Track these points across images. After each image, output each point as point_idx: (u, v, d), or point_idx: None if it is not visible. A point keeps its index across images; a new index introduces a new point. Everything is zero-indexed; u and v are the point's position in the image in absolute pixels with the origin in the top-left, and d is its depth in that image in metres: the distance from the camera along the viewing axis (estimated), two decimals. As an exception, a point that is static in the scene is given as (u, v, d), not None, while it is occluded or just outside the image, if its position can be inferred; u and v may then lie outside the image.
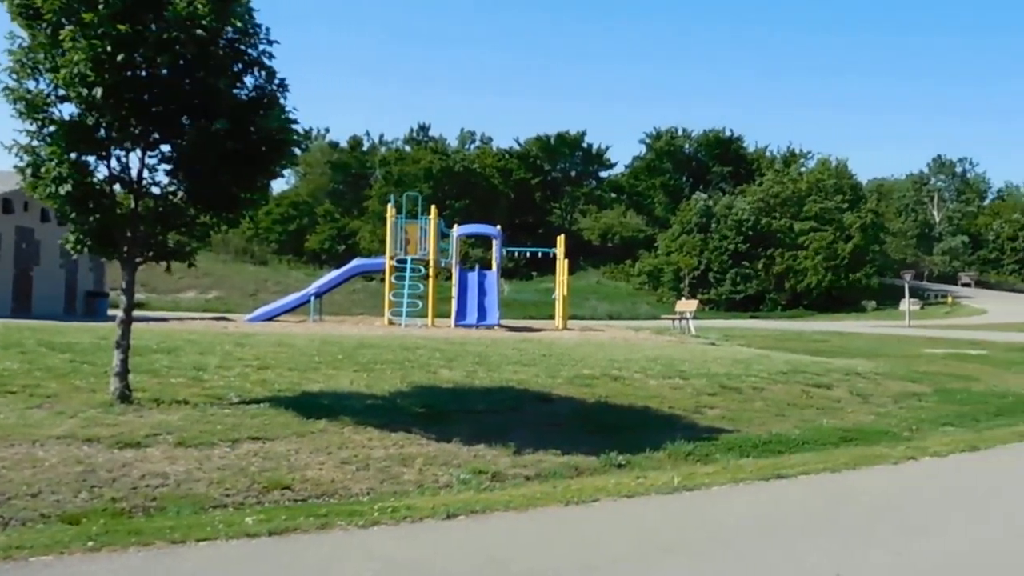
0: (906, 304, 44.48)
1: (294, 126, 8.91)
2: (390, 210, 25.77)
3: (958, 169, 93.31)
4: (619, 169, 79.15)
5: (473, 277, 26.14)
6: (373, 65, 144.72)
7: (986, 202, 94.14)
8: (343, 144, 75.69)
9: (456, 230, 27.13)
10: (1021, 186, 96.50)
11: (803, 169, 67.65)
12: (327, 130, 78.47)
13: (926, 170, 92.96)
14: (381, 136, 78.97)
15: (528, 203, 69.38)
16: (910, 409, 12.64)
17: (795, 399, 12.29)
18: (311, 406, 8.84)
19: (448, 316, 24.76)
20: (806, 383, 13.51)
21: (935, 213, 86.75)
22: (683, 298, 41.84)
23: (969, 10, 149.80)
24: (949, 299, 60.70)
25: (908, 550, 5.61)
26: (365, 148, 76.32)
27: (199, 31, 7.88)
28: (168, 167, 8.69)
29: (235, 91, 8.55)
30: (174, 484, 6.47)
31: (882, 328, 36.80)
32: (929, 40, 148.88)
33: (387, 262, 25.47)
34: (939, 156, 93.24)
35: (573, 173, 77.91)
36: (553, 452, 8.15)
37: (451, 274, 26.33)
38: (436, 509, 6.12)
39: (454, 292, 25.16)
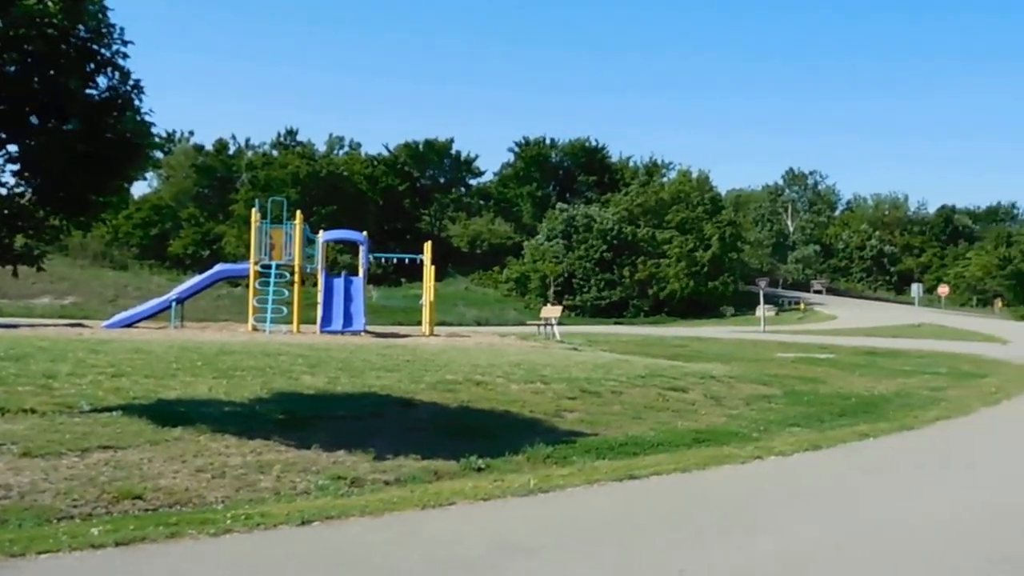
0: (761, 310, 46.63)
1: (151, 129, 8.62)
2: (255, 215, 25.09)
3: (810, 181, 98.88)
4: (488, 177, 79.98)
5: (339, 283, 25.79)
6: (241, 68, 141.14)
7: (836, 213, 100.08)
8: (208, 147, 73.17)
9: (322, 236, 26.70)
10: (868, 198, 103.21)
11: (665, 180, 70.18)
12: (191, 133, 75.63)
13: (781, 182, 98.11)
14: (248, 140, 76.87)
15: (397, 209, 69.06)
16: (760, 411, 13.13)
17: (652, 402, 12.64)
18: (167, 414, 8.58)
19: (314, 322, 24.35)
20: (663, 386, 13.89)
21: (789, 223, 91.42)
22: (549, 304, 42.51)
23: (817, 35, 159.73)
24: (802, 305, 63.91)
25: (750, 546, 5.84)
26: (231, 152, 74.00)
27: (49, 29, 7.52)
28: (15, 167, 8.24)
29: (87, 92, 8.18)
30: (17, 496, 6.21)
31: (739, 333, 38.26)
32: (782, 60, 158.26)
33: (251, 267, 24.83)
34: (792, 169, 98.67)
35: (442, 180, 78.07)
36: (414, 457, 8.16)
37: (317, 280, 25.91)
38: (291, 516, 6.05)
39: (320, 298, 24.77)
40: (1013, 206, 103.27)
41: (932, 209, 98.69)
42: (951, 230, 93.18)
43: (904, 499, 7.58)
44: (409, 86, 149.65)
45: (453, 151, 77.04)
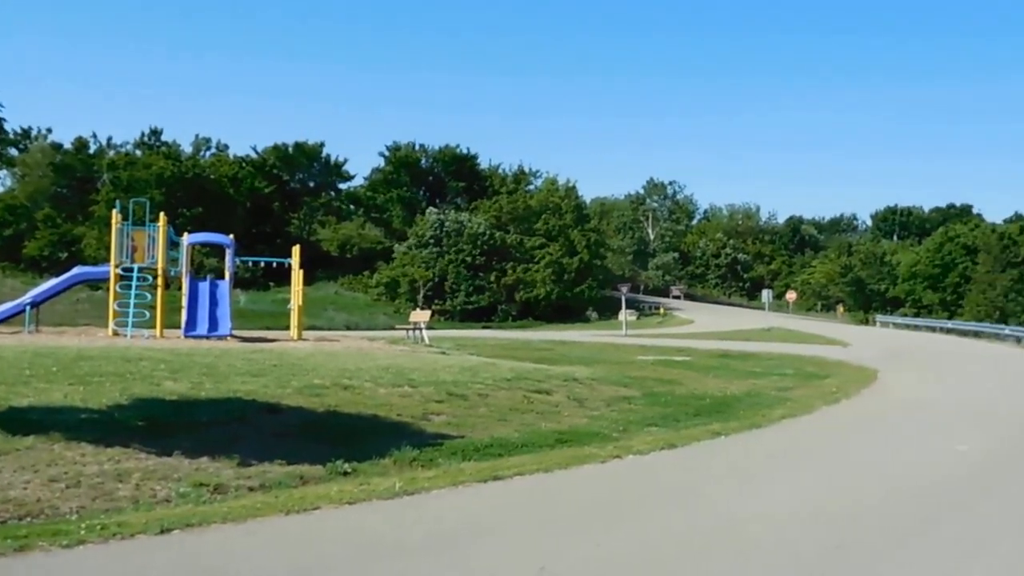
0: (623, 315, 48.02)
1: (2, 125, 8.16)
2: (116, 216, 23.99)
3: (669, 191, 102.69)
4: (358, 181, 79.00)
5: (204, 287, 24.94)
6: (102, 66, 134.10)
7: (694, 222, 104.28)
8: (67, 146, 68.98)
9: (187, 238, 25.75)
10: (723, 208, 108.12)
11: (532, 188, 71.41)
12: (49, 130, 70.93)
13: (642, 192, 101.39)
14: (109, 139, 72.79)
15: (265, 213, 67.22)
16: (620, 412, 13.54)
17: (517, 404, 12.87)
18: (18, 422, 8.18)
19: (178, 327, 23.47)
20: (528, 389, 14.16)
21: (650, 231, 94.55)
22: (418, 309, 42.49)
23: (676, 52, 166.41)
24: (661, 310, 66.12)
25: (607, 542, 6.08)
26: (92, 151, 70.00)
27: None
28: None
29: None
30: None
31: (602, 337, 39.13)
32: (643, 75, 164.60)
33: (112, 270, 23.73)
34: (653, 179, 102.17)
35: (312, 184, 76.52)
36: (279, 462, 8.08)
37: (182, 283, 24.98)
38: (149, 525, 5.90)
39: (184, 302, 23.90)
40: (854, 217, 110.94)
41: (781, 220, 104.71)
42: (798, 239, 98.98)
43: (753, 494, 8.05)
44: (279, 88, 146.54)
45: (323, 155, 75.68)
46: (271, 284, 53.64)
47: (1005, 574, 5.81)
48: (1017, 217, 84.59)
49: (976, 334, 43.25)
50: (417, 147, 73.80)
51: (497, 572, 5.37)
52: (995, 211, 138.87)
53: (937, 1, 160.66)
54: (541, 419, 12.15)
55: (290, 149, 73.47)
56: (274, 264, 28.70)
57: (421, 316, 30.83)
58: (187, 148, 74.01)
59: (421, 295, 56.05)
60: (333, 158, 76.33)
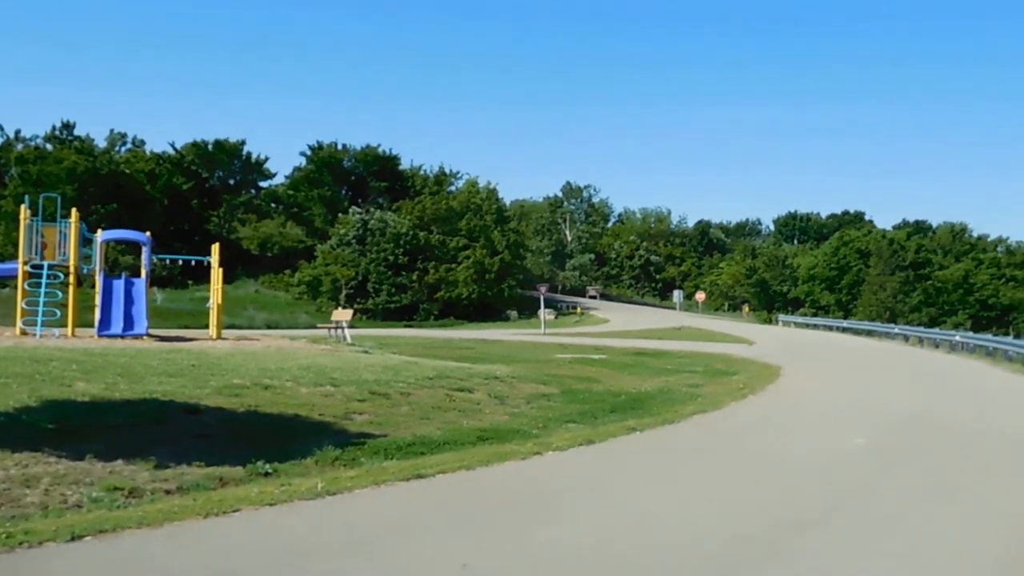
0: (542, 314, 48.49)
1: None
2: (24, 211, 22.99)
3: (585, 195, 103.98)
4: (279, 180, 77.59)
5: (119, 285, 24.09)
6: (10, 57, 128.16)
7: (609, 225, 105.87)
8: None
9: (100, 235, 24.85)
10: (637, 212, 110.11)
11: (453, 189, 71.46)
12: (-48, 123, 67.45)
13: (560, 195, 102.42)
14: (18, 132, 69.69)
15: (184, 210, 65.37)
16: (540, 409, 13.74)
17: (439, 403, 12.95)
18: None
19: (92, 326, 22.65)
20: (450, 387, 14.26)
21: (567, 233, 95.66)
22: (340, 308, 42.06)
23: (590, 58, 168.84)
24: (578, 310, 66.92)
25: (530, 538, 6.18)
26: (-1, 143, 66.90)
27: None
28: None
29: None
30: None
31: (521, 336, 39.47)
32: (561, 79, 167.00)
33: (20, 267, 22.72)
34: (570, 183, 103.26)
35: (232, 181, 74.80)
36: (197, 464, 7.95)
37: (95, 281, 24.08)
38: (59, 531, 5.70)
39: (97, 300, 23.06)
40: (758, 222, 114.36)
41: (691, 223, 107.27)
42: (707, 242, 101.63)
43: (668, 487, 8.33)
44: (198, 85, 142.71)
45: (244, 152, 73.98)
46: (189, 282, 52.34)
47: (903, 557, 6.18)
48: (905, 224, 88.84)
49: (869, 333, 45.12)
50: (340, 147, 72.87)
51: (420, 571, 5.40)
52: (885, 218, 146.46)
53: (830, 23, 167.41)
54: (463, 417, 12.25)
55: (210, 146, 71.73)
56: (192, 262, 27.98)
57: (343, 315, 30.55)
58: (101, 143, 71.50)
59: (343, 294, 55.46)
60: (254, 156, 74.84)
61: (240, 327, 36.23)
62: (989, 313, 63.55)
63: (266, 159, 75.60)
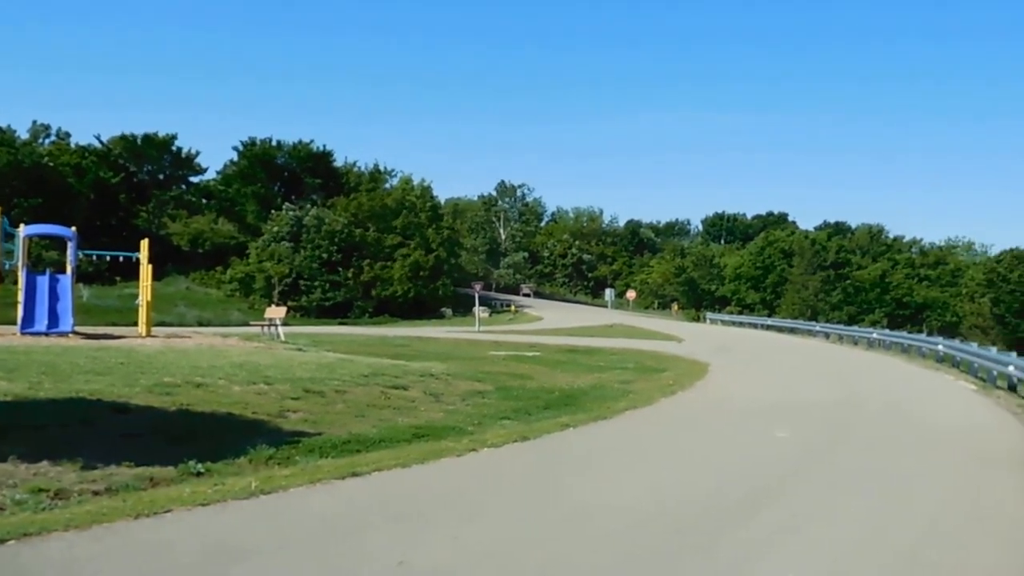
0: (477, 311, 48.63)
1: None
2: (-61, 205, 22.08)
3: (519, 194, 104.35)
4: (210, 175, 75.83)
5: (43, 281, 23.33)
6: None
7: (542, 223, 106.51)
8: None
9: (23, 230, 24.01)
10: (569, 211, 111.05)
11: (388, 186, 70.96)
12: None
13: (494, 193, 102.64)
14: (-69, 122, 66.52)
15: (111, 205, 63.44)
16: (475, 406, 13.85)
17: (375, 400, 12.94)
18: None
19: (15, 323, 21.89)
20: (385, 385, 14.25)
21: (501, 232, 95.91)
22: (273, 305, 41.50)
23: (521, 60, 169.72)
24: (512, 307, 67.16)
25: (465, 534, 6.28)
26: (-91, 135, 63.66)
27: None
28: None
29: None
30: None
31: (456, 333, 39.53)
32: (491, 81, 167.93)
33: (-64, 263, 21.81)
34: (503, 182, 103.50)
35: (162, 176, 72.79)
36: (127, 464, 7.79)
37: (18, 277, 23.24)
38: (-18, 535, 5.52)
39: (20, 297, 22.30)
40: (687, 222, 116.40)
41: (622, 223, 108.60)
42: (637, 242, 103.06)
43: (600, 482, 8.50)
44: (125, 77, 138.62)
45: (174, 147, 72.05)
46: (117, 279, 50.99)
47: (824, 544, 6.47)
48: (826, 225, 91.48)
49: (792, 330, 46.44)
50: (273, 143, 71.57)
51: (357, 569, 5.44)
52: (807, 219, 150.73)
53: (755, 35, 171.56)
54: (398, 414, 12.27)
55: (139, 140, 69.59)
56: (120, 258, 27.24)
57: (276, 312, 30.20)
58: (23, 135, 68.86)
59: (276, 291, 54.67)
60: (185, 150, 72.97)
61: (170, 324, 35.53)
62: (904, 311, 65.98)
63: (197, 154, 73.90)
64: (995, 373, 19.03)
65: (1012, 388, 17.52)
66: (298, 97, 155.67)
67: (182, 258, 62.55)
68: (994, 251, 77.20)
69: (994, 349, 22.23)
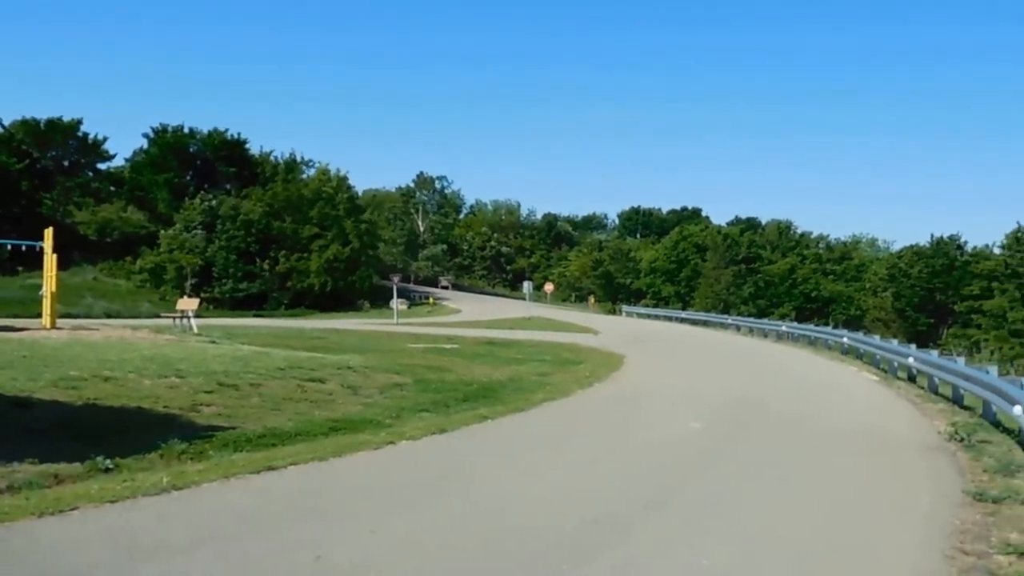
0: (395, 304, 48.31)
1: None
2: None
3: (438, 186, 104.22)
4: (119, 162, 73.03)
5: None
6: None
7: (461, 216, 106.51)
8: None
9: (-84, 218, 22.86)
10: (488, 204, 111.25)
11: (305, 177, 69.78)
12: None
13: (412, 185, 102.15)
14: None
15: (13, 192, 60.49)
16: (393, 398, 13.83)
17: (291, 393, 12.81)
18: None
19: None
20: (302, 378, 14.10)
21: (420, 224, 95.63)
22: (185, 296, 40.46)
23: (438, 51, 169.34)
24: (431, 300, 66.92)
25: (383, 527, 6.28)
26: None
27: None
28: None
29: None
30: None
31: (374, 326, 39.16)
32: (410, 71, 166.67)
33: None
34: (422, 173, 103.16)
35: (67, 163, 69.78)
36: (30, 461, 7.56)
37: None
38: None
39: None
40: (604, 216, 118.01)
41: (540, 216, 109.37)
42: (555, 235, 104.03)
43: (519, 474, 8.63)
44: (27, 58, 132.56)
45: (81, 132, 69.12)
46: (20, 269, 48.89)
47: (737, 528, 6.72)
48: (738, 220, 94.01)
49: (705, 323, 47.57)
50: (186, 130, 69.43)
51: (272, 565, 5.40)
52: (720, 214, 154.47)
53: (678, 23, 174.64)
54: (315, 408, 12.19)
55: (42, 125, 66.52)
56: (23, 247, 26.13)
57: (189, 304, 29.48)
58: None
59: (189, 282, 53.29)
60: (92, 136, 70.11)
61: (77, 316, 34.32)
62: (811, 305, 68.27)
63: (105, 139, 71.00)
64: (896, 364, 19.85)
65: (911, 379, 18.33)
66: (212, 84, 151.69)
67: (89, 247, 60.35)
68: (896, 247, 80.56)
69: (895, 341, 23.20)
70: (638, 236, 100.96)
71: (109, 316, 38.94)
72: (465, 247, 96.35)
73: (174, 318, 27.59)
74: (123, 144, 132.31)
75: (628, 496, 7.72)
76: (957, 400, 14.56)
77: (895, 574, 5.74)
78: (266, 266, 57.29)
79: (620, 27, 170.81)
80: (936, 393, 15.96)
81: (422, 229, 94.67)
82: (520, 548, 6.02)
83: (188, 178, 68.44)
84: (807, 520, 7.10)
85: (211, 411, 10.95)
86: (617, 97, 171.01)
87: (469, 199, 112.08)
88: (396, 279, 50.39)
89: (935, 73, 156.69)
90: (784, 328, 35.56)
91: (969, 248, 66.66)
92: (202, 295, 47.27)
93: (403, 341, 28.08)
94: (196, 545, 5.71)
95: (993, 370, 13.12)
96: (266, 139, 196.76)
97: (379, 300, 59.86)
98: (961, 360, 15.78)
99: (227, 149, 69.57)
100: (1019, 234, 61.21)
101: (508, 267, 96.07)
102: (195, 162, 69.91)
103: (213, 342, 20.85)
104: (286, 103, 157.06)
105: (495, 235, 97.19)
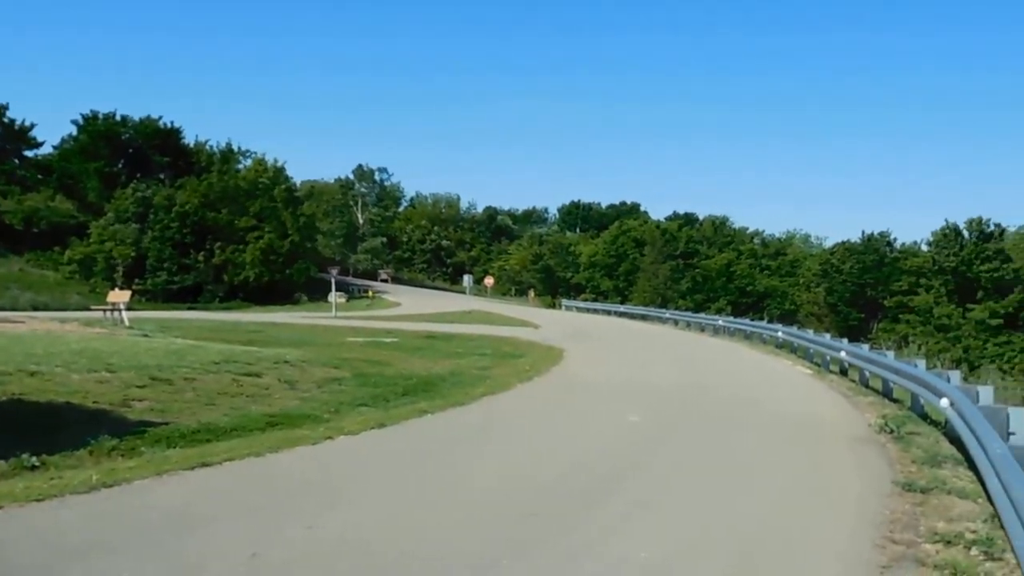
0: (333, 297, 47.85)
1: None
2: None
3: (377, 177, 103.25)
4: (47, 149, 70.67)
5: None
6: None
7: (400, 209, 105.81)
8: None
9: None
10: (428, 196, 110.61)
11: (241, 167, 68.51)
12: None
13: (352, 177, 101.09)
14: None
15: (-66, 180, 58.41)
16: (331, 393, 13.71)
17: (226, 388, 12.63)
18: None
19: None
20: (238, 372, 13.91)
21: (359, 216, 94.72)
22: (117, 288, 39.45)
23: (377, 44, 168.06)
24: (370, 293, 66.41)
25: (320, 524, 6.21)
26: None
27: None
28: None
29: None
30: None
31: (312, 319, 38.82)
32: (348, 64, 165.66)
33: None
34: (362, 165, 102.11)
35: (-9, 149, 67.41)
36: (-52, 460, 7.29)
37: None
38: None
39: None
40: (545, 210, 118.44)
41: (480, 209, 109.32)
42: (495, 228, 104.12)
43: (458, 468, 8.62)
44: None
45: (5, 118, 66.61)
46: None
47: (677, 520, 6.83)
48: (676, 215, 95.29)
49: (644, 317, 48.17)
50: (117, 118, 67.41)
51: (207, 563, 5.31)
52: (659, 209, 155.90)
53: (612, 24, 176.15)
54: (251, 402, 12.05)
55: (-37, 109, 64.12)
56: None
57: (120, 296, 28.81)
58: None
59: (120, 274, 51.95)
60: (18, 122, 67.62)
61: (2, 308, 33.56)
62: (747, 299, 69.75)
63: (32, 126, 68.73)
64: (828, 358, 20.35)
65: (843, 372, 18.82)
66: (145, 73, 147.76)
67: (15, 237, 58.49)
68: (828, 243, 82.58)
69: (828, 336, 23.75)
70: (578, 230, 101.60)
71: (36, 308, 37.86)
72: (405, 240, 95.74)
73: (105, 311, 26.91)
74: (51, 131, 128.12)
75: (567, 490, 7.77)
76: (887, 393, 15.00)
77: (828, 563, 5.88)
78: (201, 258, 56.27)
79: (557, 25, 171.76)
80: (867, 386, 16.41)
81: (361, 222, 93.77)
82: (459, 543, 6.01)
83: (120, 167, 66.61)
84: (742, 511, 7.24)
85: (143, 406, 10.72)
86: (556, 92, 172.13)
87: (409, 191, 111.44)
88: (335, 272, 49.87)
89: (863, 76, 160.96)
90: (721, 322, 36.16)
91: (898, 245, 68.88)
92: (134, 287, 46.29)
93: (342, 335, 27.88)
94: (127, 544, 5.58)
95: (921, 364, 13.56)
96: (202, 129, 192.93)
97: (317, 293, 59.23)
98: (891, 354, 16.27)
99: (161, 138, 67.86)
100: (946, 231, 63.52)
101: (448, 261, 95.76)
102: (127, 150, 68.05)
103: (146, 335, 20.44)
104: (222, 92, 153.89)
105: (435, 228, 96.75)
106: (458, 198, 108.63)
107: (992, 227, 62.84)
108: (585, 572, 5.51)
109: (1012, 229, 70.08)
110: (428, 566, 5.49)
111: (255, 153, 70.21)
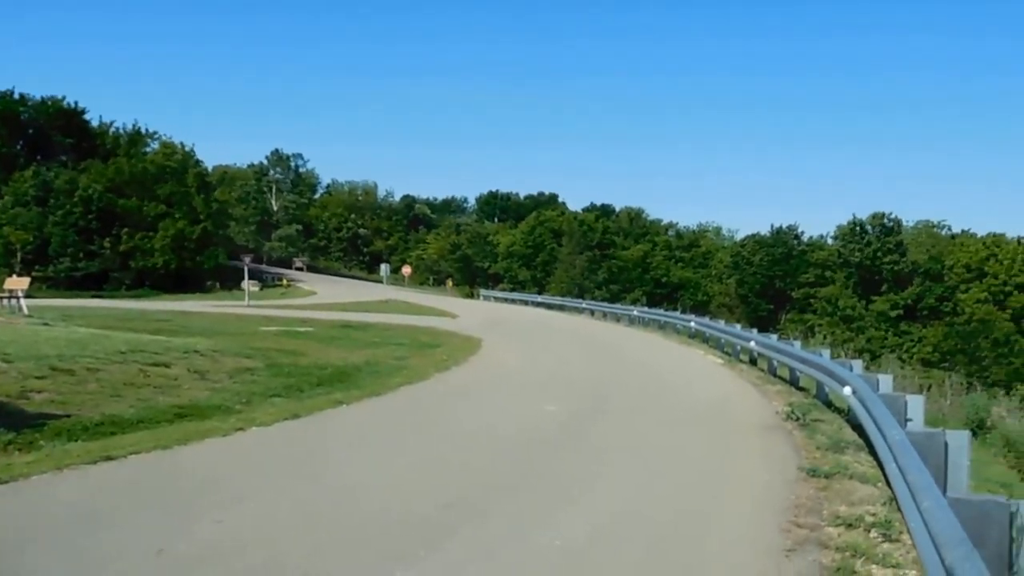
0: (246, 285, 46.83)
1: None
2: None
3: (292, 164, 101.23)
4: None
5: None
6: None
7: (316, 196, 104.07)
8: None
9: None
10: (344, 184, 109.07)
11: (149, 150, 66.26)
12: None
13: (266, 162, 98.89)
14: None
15: None
16: (243, 383, 13.40)
17: (132, 379, 12.25)
18: None
19: None
20: (145, 362, 13.50)
21: (273, 203, 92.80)
22: (15, 275, 37.73)
23: (303, 29, 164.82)
24: (284, 281, 65.39)
25: (230, 518, 6.10)
26: None
27: None
28: None
29: None
30: None
31: (224, 308, 37.95)
32: (266, 45, 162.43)
33: None
34: (277, 151, 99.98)
35: None
36: None
37: None
38: None
39: None
40: (464, 200, 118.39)
41: (398, 197, 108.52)
42: (413, 217, 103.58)
43: (374, 459, 8.57)
44: None
45: None
46: None
47: (593, 506, 6.92)
48: (593, 207, 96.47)
49: (561, 307, 48.61)
50: (16, 96, 64.23)
51: (111, 560, 5.16)
52: (576, 200, 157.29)
53: (539, 8, 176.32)
54: (159, 393, 11.72)
55: None
56: None
57: (18, 283, 27.58)
58: None
59: (19, 260, 49.71)
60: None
61: None
62: (662, 290, 71.12)
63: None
64: (739, 348, 20.92)
65: (753, 362, 19.37)
66: (46, 50, 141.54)
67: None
68: (739, 236, 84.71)
69: (738, 326, 24.41)
70: (496, 220, 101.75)
71: (-75, 296, 35.90)
72: (321, 228, 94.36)
73: (2, 299, 25.69)
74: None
75: (483, 479, 7.79)
76: (794, 382, 15.52)
77: (735, 547, 6.06)
78: (107, 244, 54.37)
79: (476, 4, 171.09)
80: (775, 375, 16.94)
81: (276, 208, 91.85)
82: (373, 535, 5.98)
83: (18, 148, 63.67)
84: (654, 497, 7.40)
85: (43, 398, 10.30)
86: (473, 77, 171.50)
87: (325, 179, 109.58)
88: (247, 259, 48.70)
89: (769, 78, 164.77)
90: (636, 313, 36.76)
91: (805, 238, 71.20)
92: (34, 274, 44.34)
93: (254, 324, 27.38)
94: (26, 542, 5.39)
95: (826, 353, 14.06)
96: (107, 110, 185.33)
97: (229, 281, 57.88)
98: (797, 344, 16.83)
99: (63, 118, 65.08)
100: (852, 226, 66.01)
101: (365, 249, 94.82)
102: (26, 131, 65.12)
103: (46, 324, 19.66)
104: (130, 74, 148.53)
105: (352, 216, 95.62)
106: (375, 186, 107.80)
107: (891, 222, 65.53)
108: (502, 562, 5.53)
109: (909, 225, 73.41)
110: (341, 557, 5.45)
111: (164, 136, 68.12)
